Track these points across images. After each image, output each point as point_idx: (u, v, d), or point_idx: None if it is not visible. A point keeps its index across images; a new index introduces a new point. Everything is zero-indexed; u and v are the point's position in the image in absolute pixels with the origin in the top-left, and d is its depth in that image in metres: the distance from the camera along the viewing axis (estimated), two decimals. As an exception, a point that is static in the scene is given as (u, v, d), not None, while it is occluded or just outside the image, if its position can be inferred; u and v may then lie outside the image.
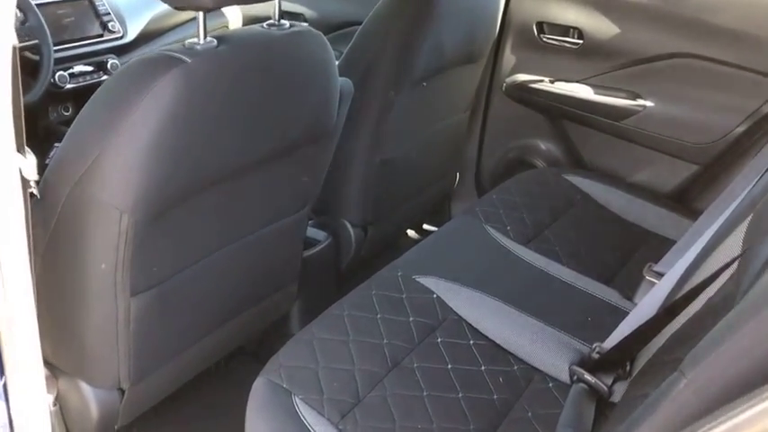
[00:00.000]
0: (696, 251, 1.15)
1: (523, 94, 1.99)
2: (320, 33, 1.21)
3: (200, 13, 1.00)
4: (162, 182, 1.02)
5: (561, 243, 1.57)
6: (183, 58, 0.98)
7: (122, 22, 1.90)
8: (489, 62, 2.00)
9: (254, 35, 1.11)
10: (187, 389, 1.37)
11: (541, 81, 1.95)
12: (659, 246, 1.63)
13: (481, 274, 1.39)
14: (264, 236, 1.33)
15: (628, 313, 1.34)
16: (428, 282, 1.32)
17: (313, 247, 1.66)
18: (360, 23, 2.31)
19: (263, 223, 1.32)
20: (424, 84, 1.64)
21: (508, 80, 2.01)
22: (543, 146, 2.05)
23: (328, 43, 1.24)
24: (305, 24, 1.22)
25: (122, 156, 0.99)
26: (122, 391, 1.18)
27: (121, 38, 1.90)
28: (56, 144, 1.50)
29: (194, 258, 1.18)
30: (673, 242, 1.63)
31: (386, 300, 1.26)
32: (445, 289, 1.31)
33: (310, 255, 1.64)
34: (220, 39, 1.05)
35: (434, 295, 1.29)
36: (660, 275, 1.40)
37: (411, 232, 2.22)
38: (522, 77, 1.99)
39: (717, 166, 1.76)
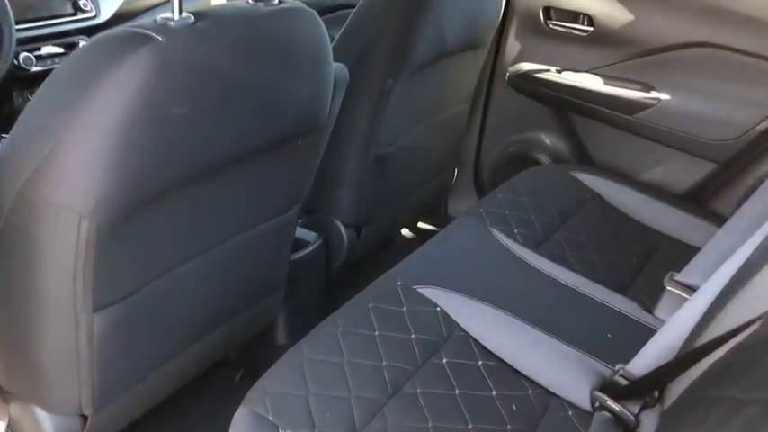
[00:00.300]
0: (735, 265, 1.02)
1: (528, 85, 1.85)
2: (313, 12, 1.07)
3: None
4: (129, 180, 0.87)
5: (573, 247, 1.44)
6: (154, 35, 0.83)
7: (95, 1, 1.75)
8: (491, 50, 1.86)
9: (238, 11, 0.96)
10: (161, 405, 1.23)
11: (547, 71, 1.82)
12: (676, 251, 1.51)
13: (488, 284, 1.26)
14: (249, 239, 1.19)
15: (649, 328, 1.22)
16: (431, 293, 1.19)
17: (302, 249, 1.53)
18: (354, 6, 2.18)
19: (247, 225, 1.18)
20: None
21: (511, 69, 1.88)
22: (547, 140, 1.92)
23: (322, 23, 1.09)
24: (296, 1, 1.07)
25: (82, 149, 0.84)
26: (84, 418, 1.03)
27: (94, 17, 1.75)
28: (2, 135, 1.34)
29: (168, 266, 1.04)
30: (690, 247, 1.51)
31: (384, 314, 1.12)
32: (449, 301, 1.18)
33: (299, 258, 1.50)
34: (198, 15, 0.90)
35: (438, 308, 1.16)
36: (684, 286, 1.28)
37: (405, 231, 2.09)
38: (526, 66, 1.85)
39: (736, 164, 1.64)
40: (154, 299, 1.02)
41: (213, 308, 1.20)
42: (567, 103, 1.81)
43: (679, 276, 1.30)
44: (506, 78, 1.89)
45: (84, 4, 1.72)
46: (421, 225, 2.10)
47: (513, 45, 1.87)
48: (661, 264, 1.45)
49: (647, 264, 1.46)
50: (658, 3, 1.66)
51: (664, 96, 1.67)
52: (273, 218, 1.23)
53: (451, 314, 1.16)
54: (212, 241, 1.11)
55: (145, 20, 1.81)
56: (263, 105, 1.02)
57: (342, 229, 1.58)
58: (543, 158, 1.93)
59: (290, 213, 1.28)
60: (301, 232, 1.56)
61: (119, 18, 1.78)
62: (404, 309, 1.14)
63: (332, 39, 2.21)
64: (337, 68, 1.21)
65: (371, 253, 1.75)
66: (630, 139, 1.75)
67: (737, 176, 1.65)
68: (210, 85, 0.90)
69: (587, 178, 1.67)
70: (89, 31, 1.73)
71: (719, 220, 1.60)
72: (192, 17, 0.89)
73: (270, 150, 1.10)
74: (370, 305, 1.13)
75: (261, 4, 0.99)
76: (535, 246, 1.41)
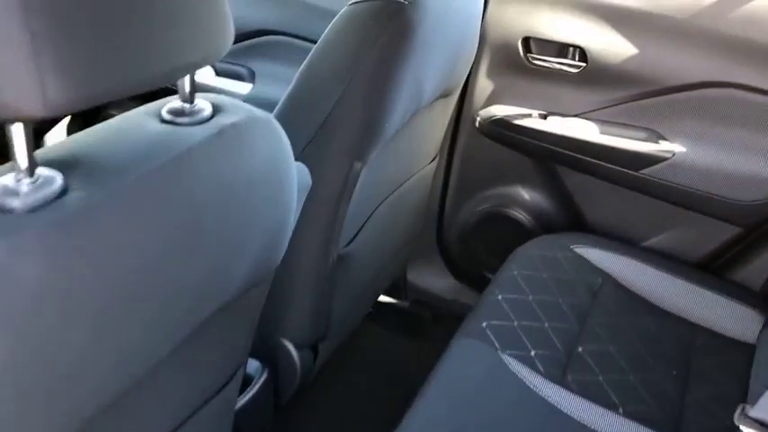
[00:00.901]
0: None
1: (503, 132, 1.51)
2: (268, 118, 0.67)
3: (17, 129, 0.44)
4: None
5: (603, 366, 1.11)
6: None
7: None
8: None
9: (147, 147, 0.54)
10: None
11: (528, 116, 1.48)
12: (717, 348, 1.22)
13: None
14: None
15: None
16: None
17: (244, 390, 1.12)
18: (275, 33, 1.75)
19: (177, 423, 0.77)
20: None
21: (483, 113, 1.52)
22: (527, 195, 1.58)
23: (283, 134, 0.69)
24: (234, 101, 0.65)
25: None
26: None
27: None
28: None
29: None
30: (731, 340, 1.24)
31: None
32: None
33: (239, 407, 1.09)
34: (71, 166, 0.48)
35: None
36: (764, 426, 0.98)
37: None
38: (501, 110, 1.50)
39: (765, 230, 1.36)
40: None
41: None
42: (553, 155, 1.48)
43: (754, 411, 1.00)
44: (476, 124, 1.53)
45: None
46: (381, 299, 1.73)
47: (484, 84, 1.51)
48: (706, 372, 1.16)
49: (690, 372, 1.16)
50: (669, 33, 1.35)
51: (676, 148, 1.37)
52: (214, 396, 0.83)
53: None
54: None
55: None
56: (199, 281, 0.61)
57: (293, 352, 1.18)
58: (522, 216, 1.59)
59: (234, 380, 0.88)
60: (240, 362, 1.15)
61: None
62: None
63: (251, 72, 1.79)
64: (298, 170, 0.81)
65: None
66: (634, 198, 1.44)
67: (766, 244, 1.37)
68: (102, 299, 0.49)
69: (592, 254, 1.35)
70: None
71: (754, 300, 1.32)
72: (59, 178, 0.46)
73: (202, 331, 0.70)
74: None
75: (183, 121, 0.58)
76: (561, 373, 1.07)
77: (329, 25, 1.03)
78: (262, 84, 1.74)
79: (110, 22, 0.42)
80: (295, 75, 1.66)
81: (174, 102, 0.59)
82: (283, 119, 1.02)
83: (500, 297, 1.19)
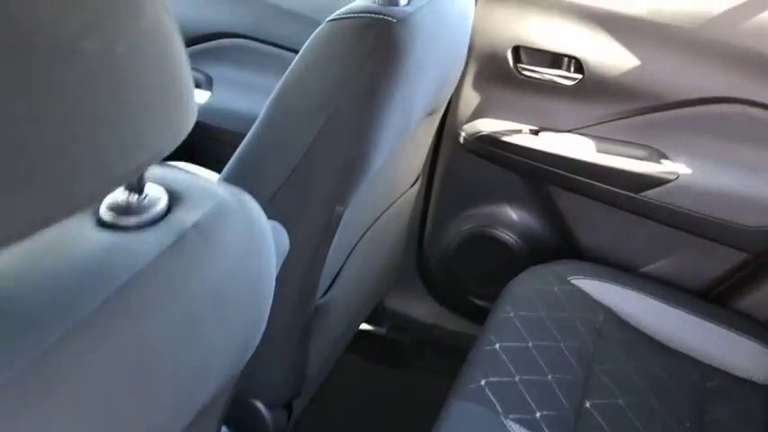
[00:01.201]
0: None
1: (491, 149, 1.37)
2: (242, 202, 0.52)
3: None
4: None
5: (613, 424, 1.00)
6: None
7: None
8: (441, 103, 1.36)
9: (76, 287, 0.38)
10: None
11: (518, 131, 1.35)
12: (731, 394, 1.12)
13: None
14: None
15: None
16: None
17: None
18: (233, 35, 1.58)
19: None
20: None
21: (468, 128, 1.39)
22: (515, 215, 1.46)
23: (262, 217, 0.54)
24: (196, 182, 0.50)
25: None
26: None
27: None
28: None
29: None
30: (744, 382, 1.14)
31: None
32: None
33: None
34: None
35: None
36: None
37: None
38: (488, 125, 1.37)
39: (774, 256, 1.27)
40: None
41: None
42: (544, 174, 1.36)
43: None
44: (461, 140, 1.40)
45: None
46: (361, 327, 1.59)
47: (469, 97, 1.37)
48: (721, 422, 1.06)
49: (704, 423, 1.06)
50: (672, 43, 1.23)
51: (679, 168, 1.25)
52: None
53: None
54: None
55: None
56: (154, 421, 0.46)
57: (265, 413, 1.04)
58: (509, 238, 1.47)
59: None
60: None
61: None
62: None
63: (208, 78, 1.61)
64: (276, 238, 0.66)
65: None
66: (633, 222, 1.33)
67: (775, 271, 1.28)
68: None
69: (591, 286, 1.24)
70: None
71: (762, 332, 1.23)
72: None
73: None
74: None
75: (131, 221, 0.43)
76: (570, 437, 0.96)
77: (304, 47, 0.88)
78: (220, 91, 1.58)
79: (18, 132, 0.27)
80: (255, 81, 1.49)
81: (116, 193, 0.43)
82: (251, 158, 0.87)
83: (497, 346, 1.06)
